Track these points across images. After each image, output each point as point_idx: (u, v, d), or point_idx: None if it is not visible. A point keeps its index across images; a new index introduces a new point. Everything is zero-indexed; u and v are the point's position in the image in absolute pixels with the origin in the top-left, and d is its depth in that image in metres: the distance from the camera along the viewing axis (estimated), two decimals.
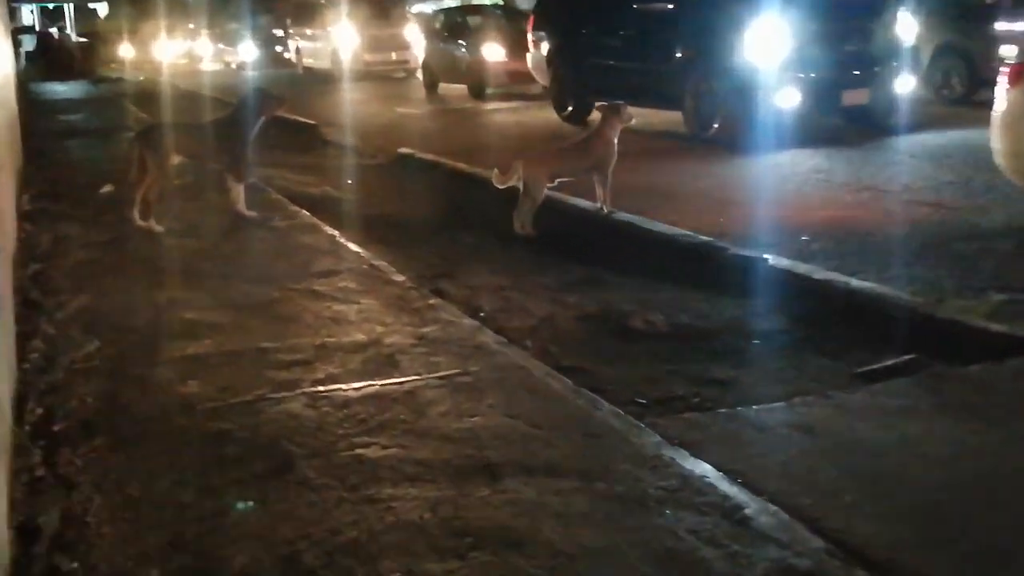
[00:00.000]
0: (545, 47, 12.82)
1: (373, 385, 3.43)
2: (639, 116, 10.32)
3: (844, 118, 9.78)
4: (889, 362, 3.76)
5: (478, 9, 19.77)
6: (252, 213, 6.28)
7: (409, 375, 3.52)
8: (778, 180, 7.49)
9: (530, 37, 13.51)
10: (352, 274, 4.94)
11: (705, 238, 5.57)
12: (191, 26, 37.58)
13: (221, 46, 32.50)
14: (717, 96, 9.49)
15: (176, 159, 6.16)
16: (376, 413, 3.18)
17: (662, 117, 10.00)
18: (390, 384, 3.44)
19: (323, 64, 23.51)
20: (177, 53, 37.20)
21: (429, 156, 9.44)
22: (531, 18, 13.75)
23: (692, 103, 9.79)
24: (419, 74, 19.28)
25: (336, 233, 5.89)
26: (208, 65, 33.11)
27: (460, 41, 17.20)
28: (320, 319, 4.22)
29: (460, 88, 16.98)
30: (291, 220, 6.30)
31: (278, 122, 12.68)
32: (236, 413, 3.21)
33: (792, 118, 9.13)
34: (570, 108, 11.92)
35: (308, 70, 25.00)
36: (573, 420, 3.11)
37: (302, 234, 5.89)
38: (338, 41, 22.29)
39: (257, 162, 8.20)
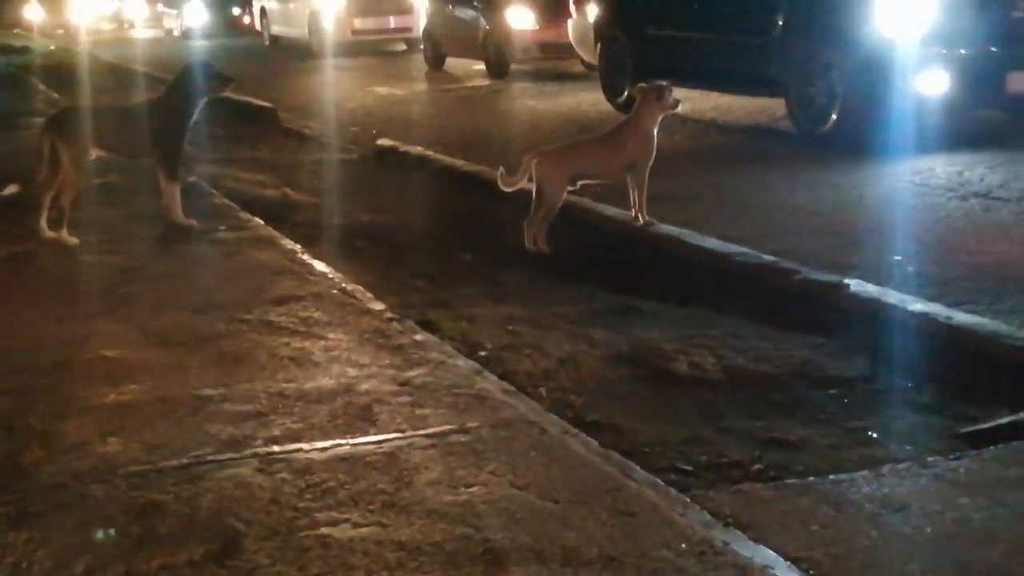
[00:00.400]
0: (593, 13, 12.51)
1: (343, 445, 3.43)
2: (723, 104, 10.46)
3: (1011, 111, 9.15)
4: (1003, 420, 3.75)
5: None
6: (191, 222, 6.32)
7: (389, 432, 3.52)
8: (914, 196, 7.15)
9: (571, 1, 13.31)
10: (318, 301, 4.96)
11: (768, 258, 5.58)
12: None
13: (161, 8, 32.95)
14: (835, 80, 8.94)
15: (95, 153, 6.21)
16: (347, 482, 3.18)
17: (756, 106, 9.90)
18: (365, 444, 3.44)
19: (296, 32, 23.16)
20: (100, 16, 37.54)
21: (416, 150, 9.50)
22: None
23: (799, 89, 9.27)
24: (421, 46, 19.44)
25: (298, 248, 5.92)
26: (142, 32, 33.44)
27: (475, 4, 17.04)
28: (277, 359, 4.23)
29: (474, 64, 16.91)
30: (241, 231, 6.33)
31: (227, 106, 12.86)
32: (169, 480, 3.21)
33: (939, 110, 8.56)
34: (627, 92, 11.38)
35: (276, 40, 24.80)
36: (598, 492, 3.10)
37: (255, 249, 5.92)
38: (318, 3, 21.89)
39: (199, 156, 8.30)
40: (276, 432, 3.54)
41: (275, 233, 6.32)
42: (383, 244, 6.60)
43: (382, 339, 4.44)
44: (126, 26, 37.48)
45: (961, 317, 4.59)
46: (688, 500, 3.11)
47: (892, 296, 4.91)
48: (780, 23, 9.45)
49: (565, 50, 15.37)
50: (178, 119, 6.29)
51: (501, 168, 6.38)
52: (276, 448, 3.42)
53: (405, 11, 21.51)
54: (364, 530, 2.91)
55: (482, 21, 16.61)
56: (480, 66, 16.81)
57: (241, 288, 5.16)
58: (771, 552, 2.78)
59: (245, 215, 6.77)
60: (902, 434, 3.75)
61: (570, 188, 6.27)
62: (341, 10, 21.59)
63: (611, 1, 12.18)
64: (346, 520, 2.96)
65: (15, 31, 33.00)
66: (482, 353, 4.57)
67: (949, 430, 3.76)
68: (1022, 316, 4.77)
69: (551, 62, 15.87)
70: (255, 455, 3.37)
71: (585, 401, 4.13)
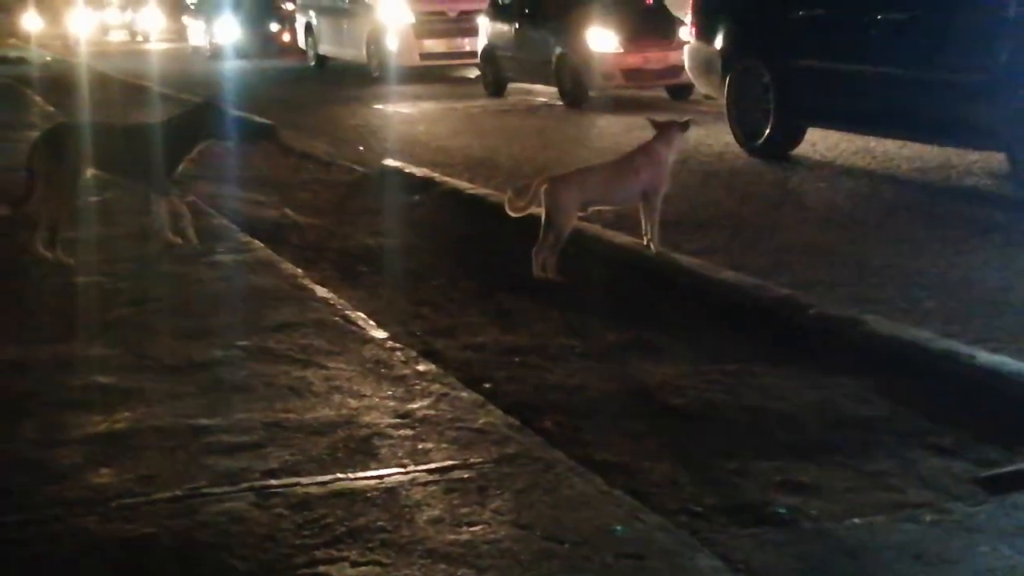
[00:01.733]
0: (720, 39, 10.37)
1: (342, 480, 3.45)
2: (907, 153, 9.35)
3: None
4: None
5: None
6: (176, 239, 6.37)
7: (390, 467, 3.55)
8: None
9: (689, 21, 11.33)
10: (318, 328, 4.99)
11: (784, 291, 5.60)
12: None
13: (186, 20, 30.59)
14: None
15: (90, 171, 6.26)
16: (345, 518, 3.20)
17: (929, 156, 8.79)
18: (365, 479, 3.46)
19: (351, 54, 20.83)
20: (108, 26, 37.30)
21: (421, 171, 9.55)
22: None
23: None
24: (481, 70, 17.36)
25: (298, 272, 5.96)
26: (158, 45, 31.98)
27: (547, 24, 15.43)
28: (274, 388, 4.26)
29: (541, 90, 15.82)
30: (240, 254, 6.38)
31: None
32: (161, 513, 3.23)
33: None
34: (766, 134, 9.75)
35: (323, 61, 22.36)
36: (605, 533, 3.12)
37: (254, 273, 5.96)
38: (381, 20, 19.50)
39: (197, 174, 8.33)
40: (273, 465, 3.56)
41: (275, 256, 6.36)
42: (386, 269, 6.63)
43: (384, 369, 4.46)
44: (139, 38, 36.04)
45: (984, 356, 4.59)
46: (698, 543, 3.12)
47: (910, 333, 4.91)
48: (1003, 57, 7.58)
49: (650, 77, 14.54)
50: (178, 150, 6.38)
51: (509, 192, 6.41)
52: (273, 481, 3.44)
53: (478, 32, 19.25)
54: (363, 569, 2.93)
55: (555, 43, 14.96)
56: (549, 93, 15.30)
57: (239, 313, 5.20)
58: None
59: (244, 237, 6.81)
60: (921, 478, 3.75)
61: (581, 213, 6.31)
62: (409, 30, 19.21)
63: (748, 24, 10.20)
64: (344, 558, 2.98)
65: (10, 41, 33.01)
66: (487, 385, 4.59)
67: (970, 474, 3.76)
68: None
69: (637, 89, 14.65)
70: (251, 488, 3.39)
71: (593, 437, 4.14)
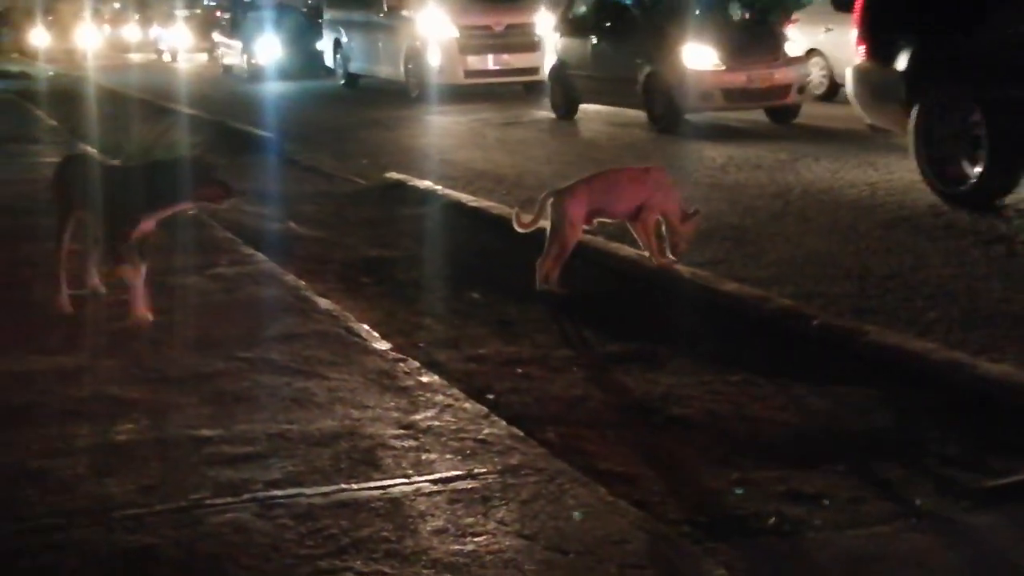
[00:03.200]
0: (904, 58, 8.37)
1: (346, 490, 3.45)
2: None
3: None
4: None
5: None
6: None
7: (394, 478, 3.55)
8: None
9: (856, 37, 9.18)
10: (321, 339, 4.99)
11: (786, 302, 5.60)
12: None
13: (218, 38, 28.51)
14: None
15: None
16: (349, 528, 3.20)
17: None
18: (368, 489, 3.46)
19: (386, 71, 19.60)
20: (126, 43, 36.17)
21: (424, 184, 9.57)
22: (858, 4, 9.21)
23: None
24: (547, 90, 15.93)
25: (301, 284, 5.96)
26: (187, 62, 30.35)
27: (629, 38, 14.10)
28: (278, 399, 4.26)
29: (617, 113, 14.38)
30: (243, 266, 6.38)
31: (229, 135, 12.96)
32: (165, 523, 3.23)
33: None
34: (976, 178, 7.90)
35: (354, 80, 21.25)
36: (608, 544, 3.11)
37: (256, 285, 5.97)
38: (421, 35, 18.25)
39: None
40: (276, 475, 3.56)
41: (277, 268, 6.36)
42: (390, 281, 6.63)
43: (387, 380, 4.47)
44: (166, 57, 33.39)
45: (986, 366, 4.59)
46: (702, 554, 3.12)
47: (914, 344, 4.92)
48: None
49: (754, 97, 13.23)
50: (139, 207, 5.22)
51: (516, 208, 6.42)
52: (276, 492, 3.44)
53: (531, 48, 18.02)
54: None
55: (643, 61, 13.49)
56: (630, 116, 13.89)
57: (242, 325, 5.20)
58: None
59: (246, 249, 6.82)
60: (925, 488, 3.75)
61: (587, 226, 6.31)
62: (452, 45, 17.80)
63: (948, 41, 8.10)
64: (348, 569, 2.98)
65: (13, 56, 33.04)
66: (490, 396, 4.59)
67: (973, 484, 3.75)
68: None
69: (741, 110, 13.46)
70: (254, 499, 3.39)
71: (596, 448, 4.14)
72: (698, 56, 13.21)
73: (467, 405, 4.20)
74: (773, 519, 3.53)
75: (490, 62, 18.15)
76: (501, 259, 6.90)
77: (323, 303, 5.61)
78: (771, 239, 7.29)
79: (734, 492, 3.74)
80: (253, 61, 24.54)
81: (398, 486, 3.49)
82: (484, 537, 3.15)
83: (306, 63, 24.09)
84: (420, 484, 3.50)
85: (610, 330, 5.55)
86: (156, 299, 5.49)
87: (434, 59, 17.89)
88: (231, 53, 26.53)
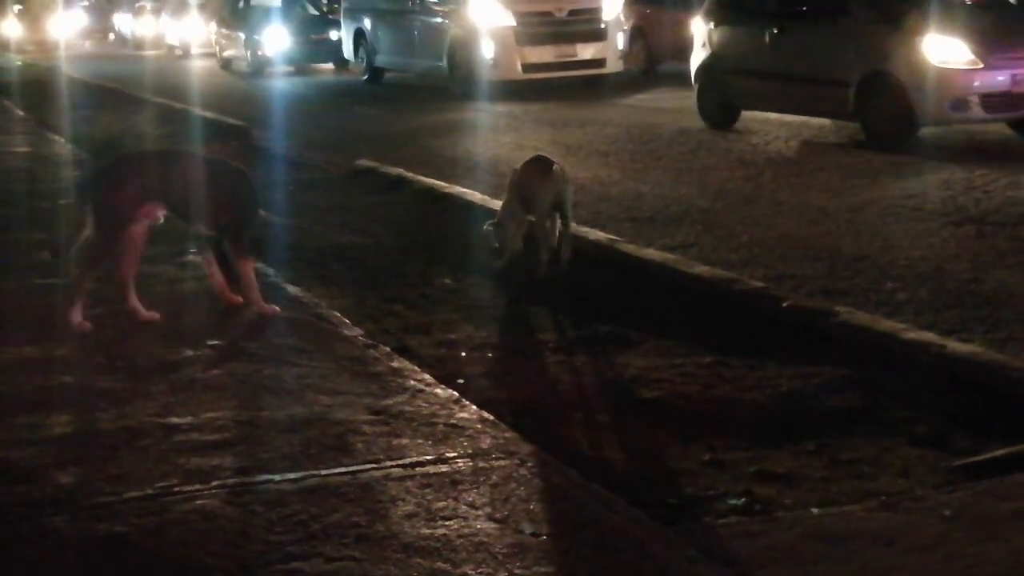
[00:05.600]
0: None
1: (315, 476, 3.43)
2: None
3: None
4: (999, 453, 3.77)
5: None
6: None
7: (364, 463, 3.53)
8: None
9: None
10: (291, 326, 4.96)
11: (756, 284, 5.61)
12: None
13: (216, 30, 26.35)
14: None
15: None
16: (319, 514, 3.18)
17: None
18: (338, 475, 3.44)
19: (424, 65, 17.44)
20: (140, 38, 33.60)
21: (394, 171, 9.53)
22: None
23: None
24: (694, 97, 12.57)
25: (270, 272, 5.92)
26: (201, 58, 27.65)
27: (833, 27, 10.78)
28: (247, 387, 4.23)
29: (801, 124, 11.53)
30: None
31: (198, 124, 12.85)
32: (132, 512, 3.20)
33: None
34: None
35: (378, 75, 19.12)
36: (580, 526, 3.11)
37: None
38: (472, 23, 16.06)
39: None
40: (246, 462, 3.53)
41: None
42: (359, 267, 6.59)
43: (358, 366, 4.44)
44: (177, 52, 30.32)
45: (955, 346, 4.62)
46: (673, 534, 3.12)
47: (883, 324, 4.94)
48: None
49: (1021, 104, 9.98)
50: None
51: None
52: (245, 479, 3.41)
53: (598, 37, 15.85)
54: (337, 564, 2.91)
55: (860, 56, 10.36)
56: (814, 125, 11.26)
57: (211, 313, 5.16)
58: None
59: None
60: (895, 467, 3.77)
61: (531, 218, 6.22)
62: (508, 35, 15.57)
63: None
64: (318, 554, 2.96)
65: None
66: (461, 381, 4.58)
67: (943, 463, 3.78)
68: (1019, 345, 4.81)
69: (1011, 116, 10.16)
70: (223, 486, 3.36)
71: (567, 431, 4.14)
72: (945, 50, 10.04)
73: (438, 390, 4.19)
74: (743, 499, 3.54)
75: (551, 53, 15.93)
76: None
77: (292, 290, 5.58)
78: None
79: (706, 473, 3.75)
80: (260, 53, 22.84)
81: (368, 471, 3.47)
82: (455, 521, 3.14)
83: (316, 54, 22.94)
84: (391, 469, 3.48)
85: (581, 314, 5.54)
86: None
87: (487, 51, 15.76)
88: (231, 45, 24.75)
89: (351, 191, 9.19)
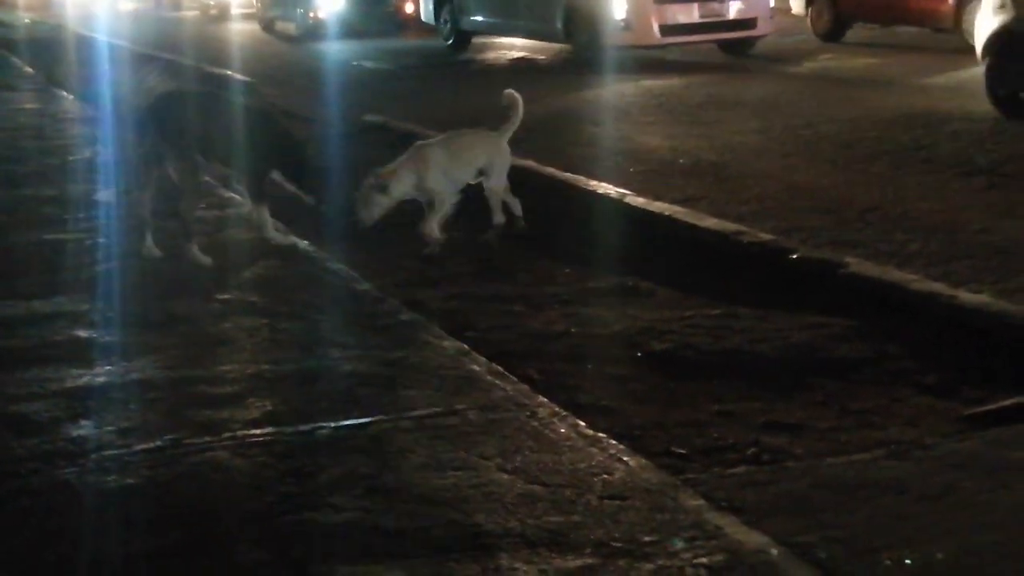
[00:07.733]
0: None
1: (325, 428, 3.43)
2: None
3: None
4: (1008, 402, 3.76)
5: None
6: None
7: (374, 414, 3.53)
8: None
9: None
10: (301, 280, 4.95)
11: (766, 236, 5.58)
12: None
13: None
14: None
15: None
16: (329, 465, 3.18)
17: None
18: (348, 426, 3.44)
19: (528, 28, 14.58)
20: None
21: (404, 126, 9.48)
22: None
23: None
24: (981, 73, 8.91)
25: (281, 227, 5.90)
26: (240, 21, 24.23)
27: None
28: (257, 340, 4.23)
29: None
30: (221, 209, 6.31)
31: (207, 81, 12.76)
32: (142, 464, 3.21)
33: None
34: None
35: (464, 40, 15.99)
36: (590, 476, 3.11)
37: (236, 228, 5.90)
38: None
39: None
40: (256, 415, 3.54)
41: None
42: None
43: (367, 320, 4.44)
44: (212, 11, 27.24)
45: (966, 296, 4.59)
46: (680, 483, 3.12)
47: (894, 275, 4.91)
48: None
49: None
50: None
51: None
52: (255, 431, 3.42)
53: None
54: (347, 515, 2.91)
55: None
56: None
57: (221, 268, 5.16)
58: (766, 537, 2.79)
59: (226, 193, 6.74)
60: (904, 416, 3.76)
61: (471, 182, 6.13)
62: None
63: None
64: (329, 505, 2.96)
65: None
66: (470, 333, 4.56)
67: (953, 412, 3.77)
68: None
69: None
70: (233, 438, 3.37)
71: (577, 383, 4.13)
72: None
73: (447, 343, 4.18)
74: (753, 449, 3.54)
75: (696, 13, 13.21)
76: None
77: (303, 245, 5.57)
78: None
79: (715, 423, 3.74)
80: (312, 15, 19.88)
81: (378, 423, 3.47)
82: (465, 472, 3.14)
83: (375, 15, 19.81)
84: (400, 421, 3.48)
85: (590, 267, 5.53)
86: (134, 244, 5.43)
87: (617, 10, 13.06)
88: (275, 4, 21.61)
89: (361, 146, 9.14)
